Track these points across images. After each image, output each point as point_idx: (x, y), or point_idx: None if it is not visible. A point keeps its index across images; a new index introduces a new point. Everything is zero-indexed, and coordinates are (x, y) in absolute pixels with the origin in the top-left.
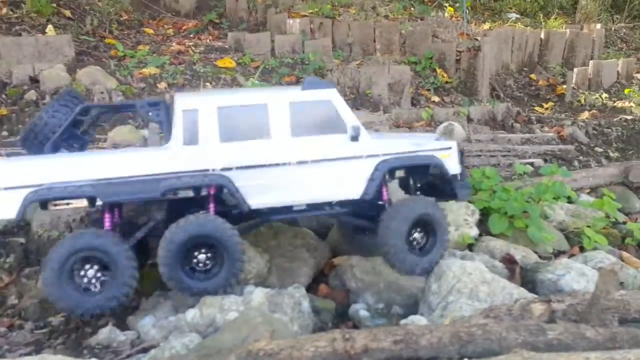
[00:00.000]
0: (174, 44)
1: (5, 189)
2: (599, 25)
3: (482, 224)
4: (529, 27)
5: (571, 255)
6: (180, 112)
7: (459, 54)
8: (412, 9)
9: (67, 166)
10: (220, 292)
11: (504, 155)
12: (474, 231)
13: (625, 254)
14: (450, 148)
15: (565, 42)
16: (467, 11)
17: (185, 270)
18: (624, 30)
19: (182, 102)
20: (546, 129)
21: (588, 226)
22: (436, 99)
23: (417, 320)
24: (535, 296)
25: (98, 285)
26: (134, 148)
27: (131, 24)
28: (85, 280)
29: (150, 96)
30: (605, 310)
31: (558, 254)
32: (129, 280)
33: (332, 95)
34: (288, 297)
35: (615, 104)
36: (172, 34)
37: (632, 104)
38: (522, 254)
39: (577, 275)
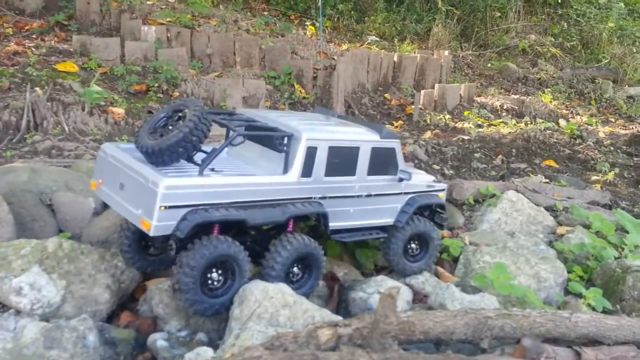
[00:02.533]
0: (12, 44)
1: (169, 207)
2: (446, 52)
3: None
4: (383, 50)
5: (391, 271)
6: (304, 147)
7: (316, 72)
8: (274, 25)
9: (218, 188)
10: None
11: None
12: None
13: (440, 269)
14: (444, 190)
15: (416, 65)
16: (326, 31)
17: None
18: (471, 57)
19: (308, 139)
20: None
21: None
22: None
23: (204, 352)
24: (339, 318)
25: (219, 286)
26: (257, 174)
27: None
28: (211, 282)
29: None
30: (385, 335)
31: (380, 270)
32: (245, 282)
33: (396, 145)
34: (69, 331)
35: (456, 125)
36: (11, 33)
37: (470, 125)
38: (344, 271)
39: None
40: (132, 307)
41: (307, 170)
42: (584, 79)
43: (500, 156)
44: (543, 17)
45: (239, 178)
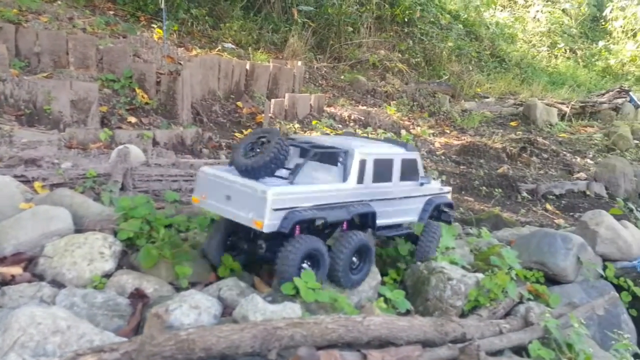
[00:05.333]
0: None
1: (275, 210)
2: (300, 63)
3: (128, 256)
4: (235, 58)
5: (208, 284)
6: (358, 160)
7: (160, 76)
8: (116, 25)
9: (306, 194)
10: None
11: (186, 180)
12: (109, 265)
13: (257, 279)
14: (450, 191)
15: (269, 74)
16: (174, 35)
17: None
18: (325, 69)
19: (359, 153)
20: None
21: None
22: (133, 119)
23: None
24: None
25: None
26: (328, 183)
27: None
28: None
29: None
30: (153, 357)
31: (195, 284)
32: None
33: (417, 156)
34: None
35: (304, 134)
36: None
37: (318, 134)
38: (155, 286)
39: (188, 309)
40: None
41: (360, 178)
42: (425, 93)
43: None
44: (391, 34)
45: (319, 185)
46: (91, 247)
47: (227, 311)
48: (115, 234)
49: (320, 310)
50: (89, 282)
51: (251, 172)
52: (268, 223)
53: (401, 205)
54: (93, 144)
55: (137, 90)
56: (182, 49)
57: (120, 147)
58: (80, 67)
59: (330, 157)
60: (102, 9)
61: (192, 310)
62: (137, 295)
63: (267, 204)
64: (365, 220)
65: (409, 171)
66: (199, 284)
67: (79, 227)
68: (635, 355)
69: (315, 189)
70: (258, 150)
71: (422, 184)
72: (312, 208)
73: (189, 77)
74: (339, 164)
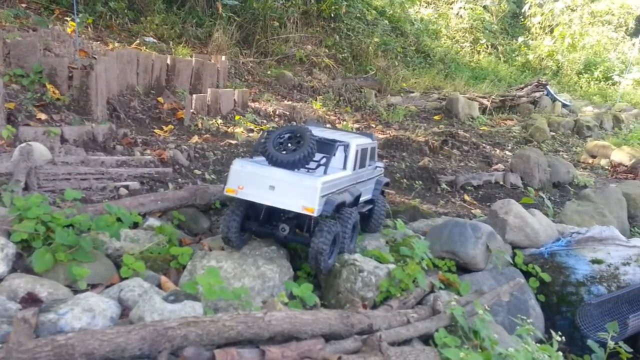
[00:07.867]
0: None
1: (321, 197)
2: (224, 57)
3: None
4: (154, 52)
5: (110, 285)
6: (354, 151)
7: (72, 71)
8: (26, 18)
9: (336, 181)
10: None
11: (97, 178)
12: (1, 268)
13: (163, 278)
14: (383, 168)
15: (192, 69)
16: (90, 28)
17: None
18: (251, 64)
19: (356, 144)
20: (148, 151)
21: (131, 254)
22: (43, 116)
23: None
24: None
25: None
26: (337, 170)
27: None
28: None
29: None
30: None
31: (95, 286)
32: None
33: (376, 144)
34: None
35: (227, 130)
36: None
37: (241, 129)
38: (49, 290)
39: (80, 312)
40: None
41: (354, 165)
42: (352, 88)
43: None
44: (318, 29)
45: (339, 173)
46: None
47: (126, 313)
48: (9, 235)
49: (229, 307)
50: None
51: (288, 165)
52: (318, 208)
53: (367, 185)
54: None
55: (48, 86)
56: (99, 42)
57: (23, 144)
58: None
59: (329, 148)
60: (12, 1)
61: (84, 314)
62: (30, 300)
63: (317, 192)
64: (356, 201)
65: (372, 157)
66: (100, 286)
67: None
68: (540, 340)
69: (338, 177)
70: (290, 145)
71: (376, 167)
72: (336, 193)
73: (103, 71)
74: (337, 153)
